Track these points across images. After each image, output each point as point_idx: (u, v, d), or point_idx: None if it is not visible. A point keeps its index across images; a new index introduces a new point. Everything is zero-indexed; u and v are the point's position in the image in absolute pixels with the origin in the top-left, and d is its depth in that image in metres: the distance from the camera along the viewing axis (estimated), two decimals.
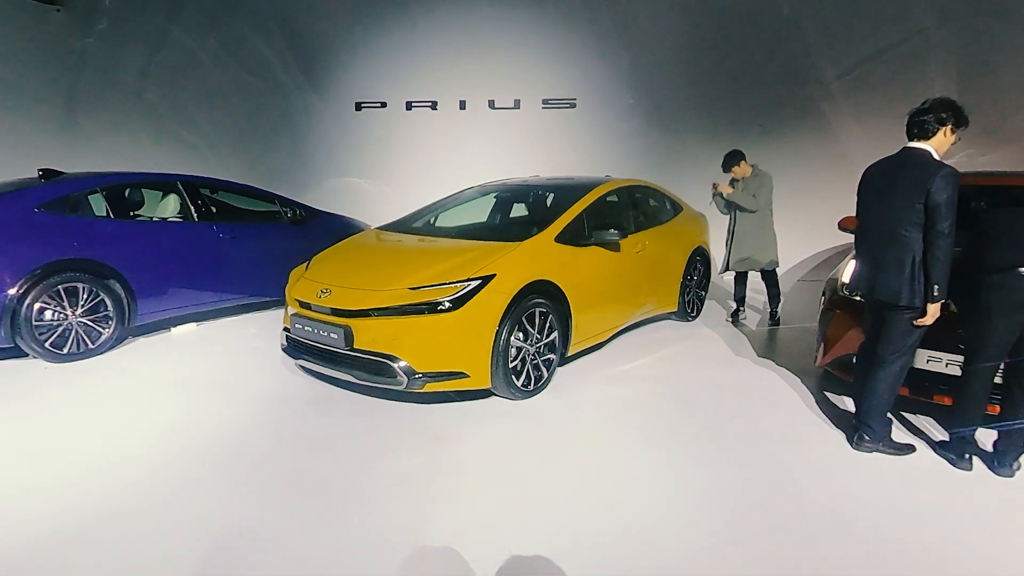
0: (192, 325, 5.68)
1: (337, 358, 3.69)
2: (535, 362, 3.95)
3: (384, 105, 9.48)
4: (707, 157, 9.09)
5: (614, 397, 4.01)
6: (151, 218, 5.43)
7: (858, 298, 3.81)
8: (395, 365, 3.44)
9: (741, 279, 6.03)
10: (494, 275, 3.63)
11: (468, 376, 3.54)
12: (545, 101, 9.17)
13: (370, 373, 3.55)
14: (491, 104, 9.26)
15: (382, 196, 9.63)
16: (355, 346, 3.52)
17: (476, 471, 3.02)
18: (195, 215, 5.45)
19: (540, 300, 3.88)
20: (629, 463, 3.11)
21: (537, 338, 3.92)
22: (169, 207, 5.46)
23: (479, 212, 5.57)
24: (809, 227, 7.84)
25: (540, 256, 4.03)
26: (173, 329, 5.53)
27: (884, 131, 8.68)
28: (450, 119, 9.37)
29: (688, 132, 8.93)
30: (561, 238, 4.21)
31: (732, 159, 5.65)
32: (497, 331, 3.58)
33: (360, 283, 3.69)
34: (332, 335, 3.56)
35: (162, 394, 4.01)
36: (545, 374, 4.03)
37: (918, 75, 8.48)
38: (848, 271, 4.02)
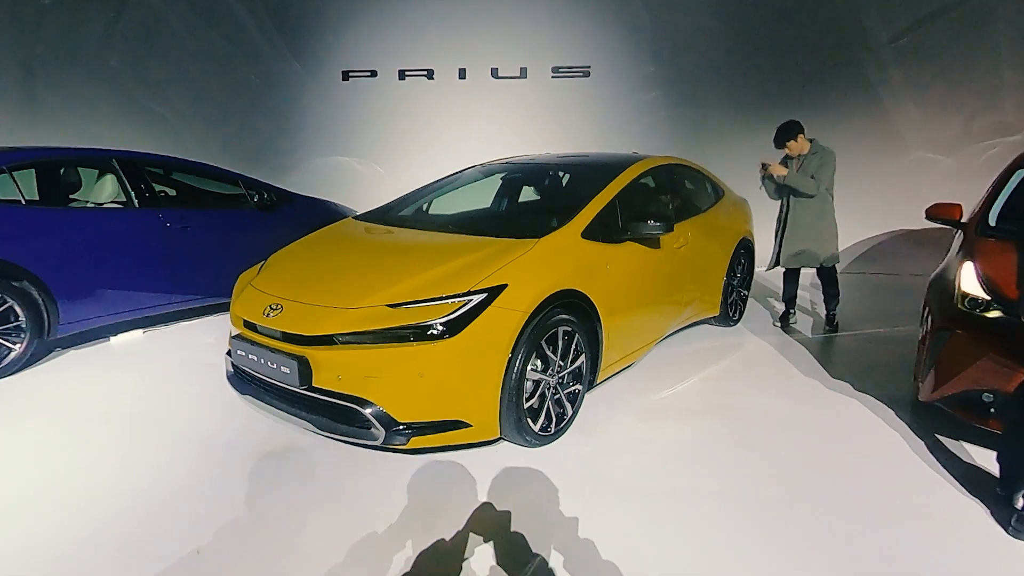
0: (137, 333, 4.73)
1: (291, 399, 2.74)
2: (557, 397, 3.00)
3: (374, 74, 8.42)
4: (738, 133, 8.08)
5: (657, 441, 3.06)
6: (79, 204, 4.44)
7: (993, 315, 2.86)
8: (367, 412, 2.49)
9: (792, 276, 5.05)
10: (505, 285, 2.67)
11: (470, 426, 2.59)
12: (555, 70, 8.12)
13: (334, 422, 2.60)
14: (494, 73, 8.20)
15: (373, 177, 8.62)
16: (314, 384, 2.56)
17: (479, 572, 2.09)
18: (135, 200, 4.46)
19: (565, 316, 2.92)
20: (693, 558, 2.17)
21: (560, 366, 2.97)
22: (104, 191, 4.47)
23: (482, 198, 4.58)
24: (853, 211, 6.85)
25: (564, 257, 3.05)
26: (113, 339, 4.57)
27: (939, 104, 7.65)
28: (448, 90, 8.32)
29: (716, 105, 7.89)
30: (590, 232, 3.23)
31: (787, 132, 4.64)
32: (509, 362, 2.62)
33: (322, 297, 2.72)
34: (283, 368, 2.59)
35: (76, 434, 3.07)
36: (569, 411, 3.09)
37: (979, 41, 7.43)
38: (968, 276, 3.06)
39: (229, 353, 3.04)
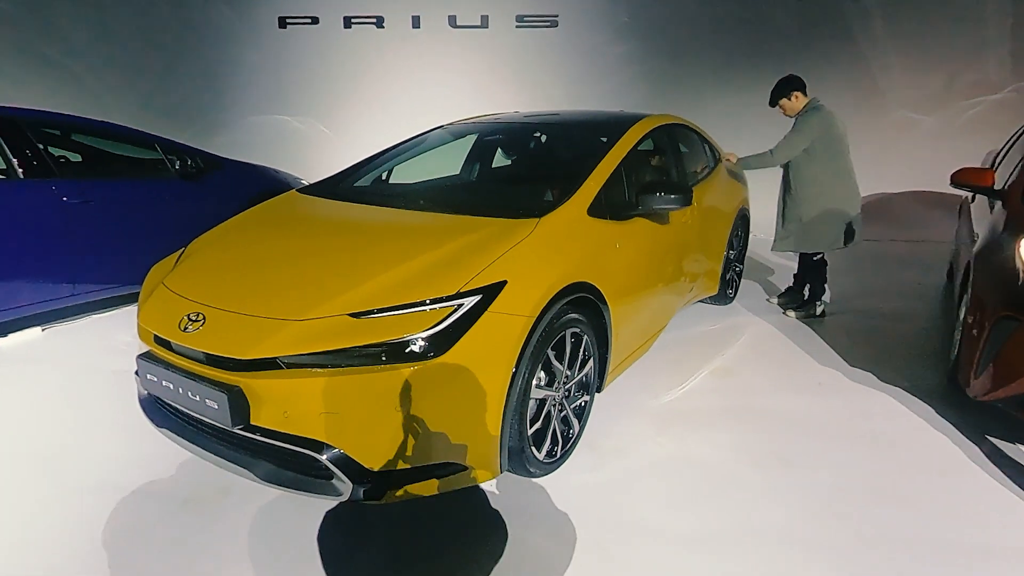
0: (36, 331, 3.89)
1: (223, 440, 2.07)
2: (563, 414, 2.44)
3: (315, 21, 7.45)
4: (718, 90, 7.55)
5: (680, 461, 2.55)
6: None
7: None
8: (326, 460, 1.85)
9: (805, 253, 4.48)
10: (504, 282, 2.05)
11: (465, 469, 1.99)
12: (519, 18, 7.36)
13: (282, 471, 1.96)
14: (452, 21, 7.37)
15: (317, 139, 7.72)
16: (254, 423, 1.90)
17: None
18: (19, 169, 3.58)
19: (574, 316, 2.33)
20: None
21: (567, 376, 2.39)
22: None
23: (452, 164, 3.90)
24: None
25: (571, 241, 2.45)
26: (3, 340, 3.73)
27: (922, 59, 7.28)
28: (400, 40, 7.44)
29: (694, 60, 7.32)
30: (596, 209, 2.63)
31: (780, 89, 4.08)
32: (511, 381, 2.02)
33: (260, 303, 2.02)
34: (208, 402, 1.91)
35: None
36: (576, 428, 2.54)
37: None
38: None
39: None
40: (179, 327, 2.01)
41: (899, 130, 7.34)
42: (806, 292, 4.51)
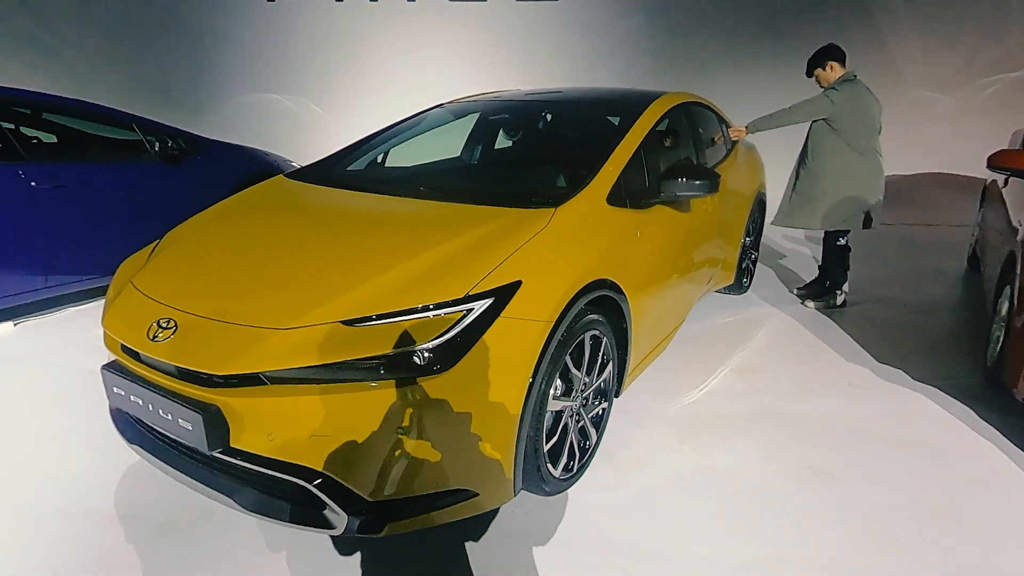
0: (8, 325, 3.63)
1: (200, 464, 1.83)
2: (580, 424, 2.21)
3: None
4: (726, 67, 7.22)
5: (710, 475, 2.32)
6: None
7: None
8: (317, 490, 1.61)
9: (830, 238, 4.15)
10: (519, 283, 1.80)
11: (476, 494, 1.76)
12: None
13: (268, 500, 1.72)
14: None
15: (309, 118, 7.40)
16: (234, 446, 1.66)
17: None
18: None
19: (594, 317, 2.09)
20: None
21: (585, 384, 2.16)
22: None
23: (452, 146, 3.63)
24: None
25: (590, 233, 2.19)
26: None
27: (941, 34, 6.99)
28: (395, 13, 7.09)
29: (703, 34, 6.99)
30: (615, 196, 2.37)
31: (817, 59, 3.85)
32: (527, 395, 1.78)
33: (241, 308, 1.77)
34: (182, 422, 1.67)
35: None
36: (593, 438, 2.31)
37: None
38: None
39: None
40: (147, 335, 1.75)
41: (916, 109, 7.07)
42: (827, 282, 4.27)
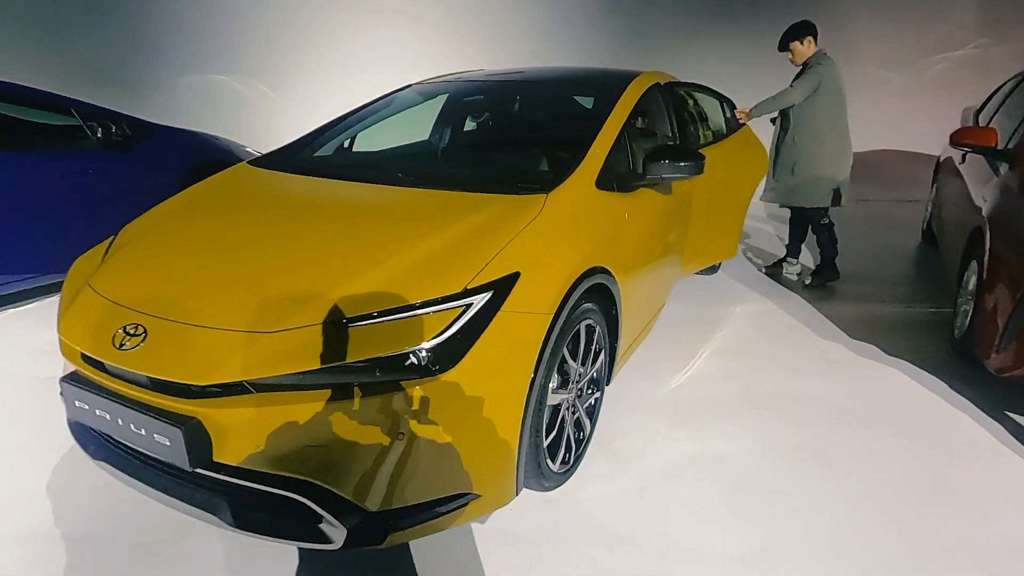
0: None
1: (179, 479, 1.68)
2: (576, 416, 2.15)
3: None
4: (688, 45, 7.22)
5: (699, 458, 2.31)
6: None
7: None
8: (312, 504, 1.50)
9: (798, 216, 4.27)
10: (517, 274, 1.71)
11: (478, 496, 1.68)
12: None
13: (256, 516, 1.59)
14: None
15: (260, 101, 7.05)
16: (216, 460, 1.53)
17: None
18: None
19: (589, 306, 2.02)
20: None
21: (580, 374, 2.09)
22: None
23: (420, 130, 3.48)
24: None
25: (583, 219, 2.12)
26: None
27: (893, 13, 7.14)
28: None
29: (664, 12, 6.96)
30: (604, 180, 2.30)
31: (795, 33, 3.88)
32: (529, 390, 1.70)
33: (218, 310, 1.62)
34: (158, 437, 1.52)
35: None
36: (588, 429, 2.26)
37: None
38: None
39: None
40: (113, 343, 1.59)
41: (869, 87, 7.23)
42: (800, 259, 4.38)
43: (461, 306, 1.59)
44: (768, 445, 2.39)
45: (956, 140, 3.47)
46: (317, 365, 1.48)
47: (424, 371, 1.51)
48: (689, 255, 3.29)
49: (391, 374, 1.51)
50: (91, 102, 3.94)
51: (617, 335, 2.35)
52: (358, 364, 1.49)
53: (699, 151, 2.59)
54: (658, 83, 3.22)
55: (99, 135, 3.76)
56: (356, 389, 1.49)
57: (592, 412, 2.30)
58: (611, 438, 2.40)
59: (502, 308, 1.64)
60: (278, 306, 1.59)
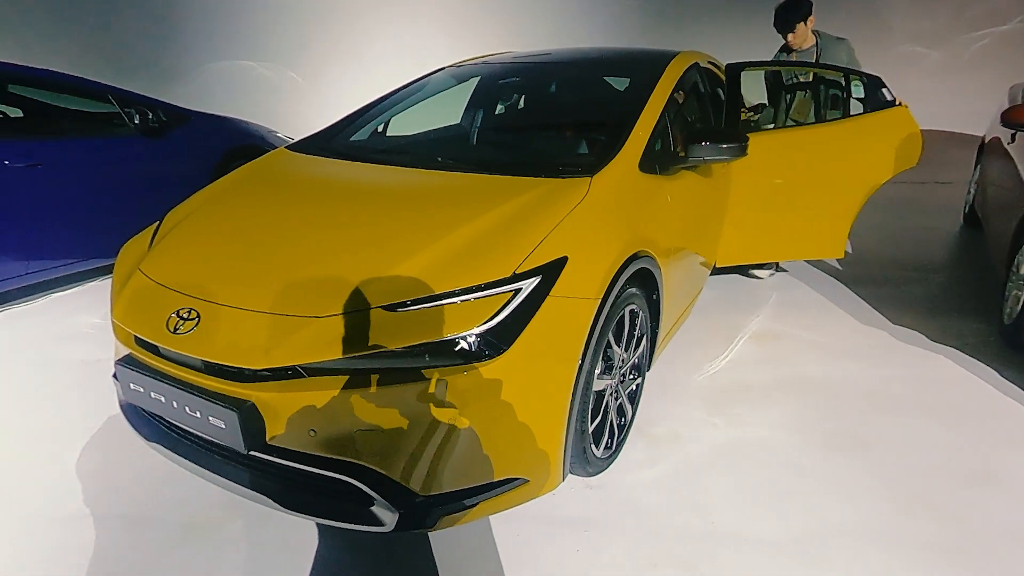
0: None
1: (233, 461, 1.71)
2: (619, 402, 2.14)
3: None
4: (716, 24, 7.05)
5: (738, 445, 2.29)
6: None
7: None
8: (365, 487, 1.52)
9: None
10: (565, 259, 1.69)
11: (526, 481, 1.68)
12: None
13: (309, 499, 1.62)
14: None
15: (288, 87, 7.07)
16: (270, 443, 1.55)
17: None
18: None
19: (633, 290, 2.00)
20: None
21: (623, 360, 2.08)
22: None
23: (453, 113, 3.45)
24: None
25: (627, 203, 2.09)
26: None
27: None
28: None
29: None
30: (646, 163, 2.26)
31: (800, 9, 3.73)
32: (577, 376, 1.69)
33: (268, 295, 1.63)
34: (212, 420, 1.55)
35: None
36: (629, 414, 2.25)
37: None
38: None
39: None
40: (167, 327, 1.62)
41: (903, 65, 7.02)
42: None
43: (510, 291, 1.58)
44: (807, 431, 2.36)
45: (1010, 119, 3.35)
46: (368, 350, 1.48)
47: (474, 357, 1.51)
48: (748, 243, 3.22)
49: (441, 360, 1.51)
50: (127, 89, 3.98)
51: (658, 320, 2.33)
52: (408, 349, 1.50)
53: (745, 134, 2.51)
54: (697, 63, 3.15)
55: (136, 122, 3.80)
56: (406, 374, 1.49)
57: (634, 398, 2.29)
58: (650, 424, 2.39)
59: (551, 293, 1.63)
60: (328, 291, 1.59)
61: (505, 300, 1.56)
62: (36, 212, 3.32)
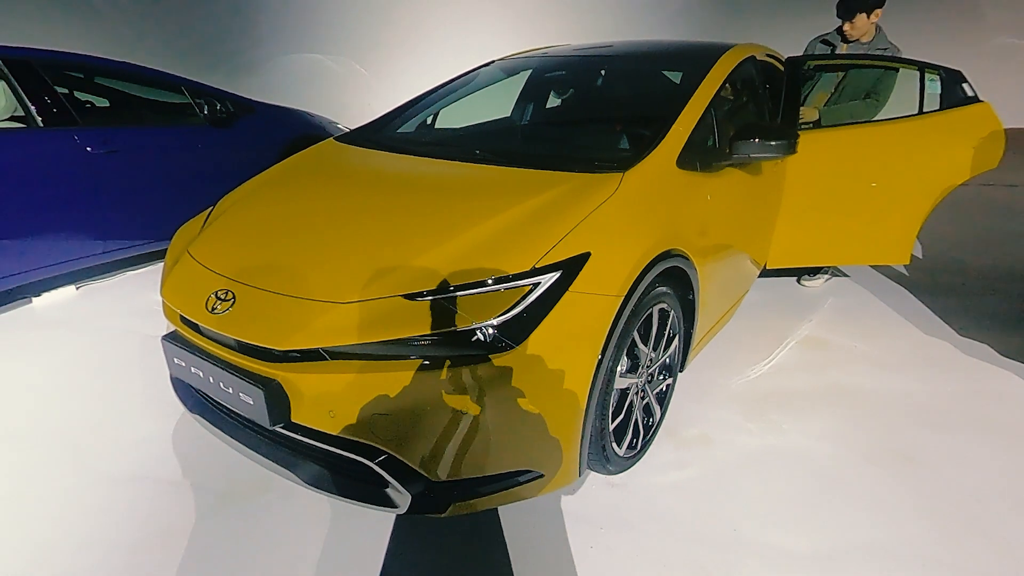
0: (70, 289, 3.71)
1: (262, 436, 1.81)
2: (645, 401, 2.11)
3: None
4: (792, 14, 6.69)
5: (773, 453, 2.21)
6: None
7: None
8: (380, 468, 1.57)
9: None
10: (587, 255, 1.68)
11: (540, 475, 1.69)
12: None
13: (329, 476, 1.69)
14: None
15: (353, 79, 7.28)
16: (294, 421, 1.62)
17: None
18: (38, 117, 3.30)
19: (663, 289, 1.97)
20: None
21: (651, 359, 2.05)
22: None
23: (504, 106, 3.47)
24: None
25: (660, 200, 2.05)
26: (36, 299, 3.56)
27: None
28: None
29: None
30: (685, 159, 2.21)
31: (852, 1, 3.50)
32: (595, 373, 1.68)
33: (298, 280, 1.70)
34: (243, 396, 1.64)
35: None
36: (657, 414, 2.21)
37: None
38: None
39: None
40: (206, 307, 1.72)
41: (997, 59, 6.52)
42: None
43: (529, 285, 1.59)
44: (850, 444, 2.26)
45: None
46: (387, 337, 1.53)
47: (490, 347, 1.53)
48: (804, 245, 3.10)
49: (458, 349, 1.53)
50: (199, 81, 4.21)
51: (693, 321, 2.27)
52: (426, 337, 1.53)
53: (795, 130, 2.40)
54: (753, 56, 3.04)
55: (205, 112, 4.02)
56: (423, 362, 1.53)
57: (663, 398, 2.25)
58: (682, 426, 2.35)
59: (570, 288, 1.62)
60: (354, 278, 1.65)
61: (523, 293, 1.57)
62: (114, 195, 3.57)
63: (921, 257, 4.16)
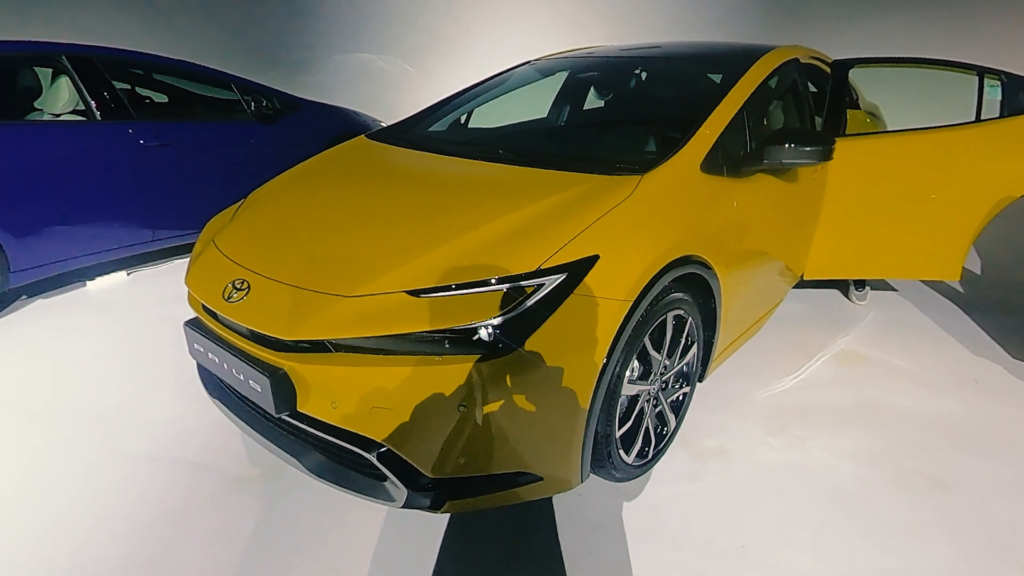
0: (122, 275, 3.91)
1: (271, 423, 1.86)
2: (658, 409, 2.06)
3: None
4: (850, 20, 6.44)
5: (794, 471, 2.13)
6: (36, 117, 3.51)
7: None
8: (377, 460, 1.58)
9: None
10: (596, 257, 1.66)
11: (539, 479, 1.68)
12: None
13: (331, 466, 1.72)
14: None
15: (401, 78, 7.41)
16: (299, 410, 1.66)
17: None
18: (97, 111, 3.49)
19: (679, 296, 1.92)
20: None
21: (665, 367, 2.00)
22: (55, 99, 3.49)
23: (540, 106, 3.47)
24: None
25: (679, 204, 2.01)
26: (90, 283, 3.77)
27: None
28: None
29: None
30: (711, 163, 2.15)
31: None
32: (600, 377, 1.66)
33: (308, 272, 1.74)
34: (252, 383, 1.69)
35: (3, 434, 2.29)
36: (672, 424, 2.16)
37: None
38: None
39: None
40: (223, 295, 1.78)
41: None
42: None
43: (533, 285, 1.58)
44: (876, 464, 2.15)
45: None
46: (390, 331, 1.54)
47: (490, 346, 1.53)
48: (845, 256, 2.98)
49: (459, 347, 1.54)
50: (253, 79, 4.36)
51: (715, 330, 2.21)
52: (428, 334, 1.54)
53: (831, 136, 2.30)
54: (796, 59, 2.94)
55: (252, 108, 4.16)
56: (425, 358, 1.54)
57: (679, 407, 2.20)
58: (697, 437, 2.29)
59: (576, 291, 1.60)
60: (363, 272, 1.68)
61: (527, 294, 1.56)
62: (163, 186, 3.74)
63: (979, 274, 3.94)
